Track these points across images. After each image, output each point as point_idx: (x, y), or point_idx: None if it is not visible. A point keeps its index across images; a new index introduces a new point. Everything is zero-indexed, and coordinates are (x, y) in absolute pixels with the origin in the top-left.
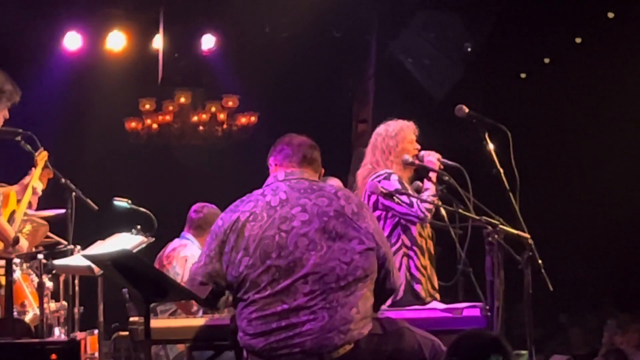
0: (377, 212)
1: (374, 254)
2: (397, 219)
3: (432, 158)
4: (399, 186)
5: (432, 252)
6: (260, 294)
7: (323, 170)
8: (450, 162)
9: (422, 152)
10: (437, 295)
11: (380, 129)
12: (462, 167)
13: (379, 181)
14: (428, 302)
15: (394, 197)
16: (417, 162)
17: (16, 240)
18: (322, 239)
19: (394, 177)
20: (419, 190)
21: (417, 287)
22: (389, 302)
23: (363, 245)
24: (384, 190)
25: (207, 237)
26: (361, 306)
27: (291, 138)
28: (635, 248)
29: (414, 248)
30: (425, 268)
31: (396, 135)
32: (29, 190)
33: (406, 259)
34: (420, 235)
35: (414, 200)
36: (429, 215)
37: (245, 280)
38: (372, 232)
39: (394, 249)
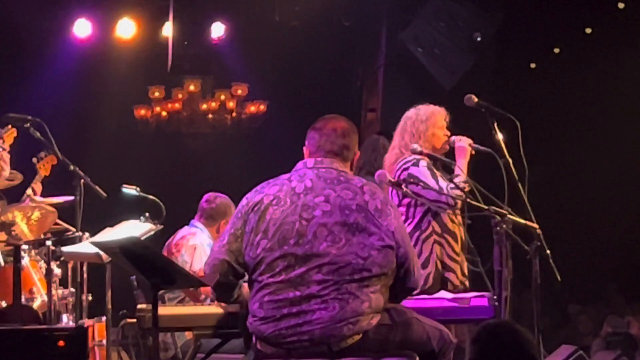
0: (407, 200)
1: (393, 253)
2: (427, 206)
3: (464, 143)
4: (427, 173)
5: (463, 239)
6: (274, 278)
7: (358, 153)
8: (481, 147)
9: (453, 137)
10: (467, 282)
11: (411, 112)
12: (494, 152)
13: (407, 168)
14: (460, 290)
15: (421, 183)
16: (425, 151)
17: None
18: (341, 232)
19: (423, 164)
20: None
21: (450, 276)
22: (417, 290)
23: (382, 242)
24: (392, 180)
25: (224, 222)
26: (374, 301)
27: (325, 124)
28: None
29: (446, 235)
30: (458, 255)
31: (427, 119)
32: None
33: (438, 247)
34: (452, 221)
35: (444, 186)
36: (458, 202)
37: (261, 263)
38: (393, 230)
39: (424, 235)
